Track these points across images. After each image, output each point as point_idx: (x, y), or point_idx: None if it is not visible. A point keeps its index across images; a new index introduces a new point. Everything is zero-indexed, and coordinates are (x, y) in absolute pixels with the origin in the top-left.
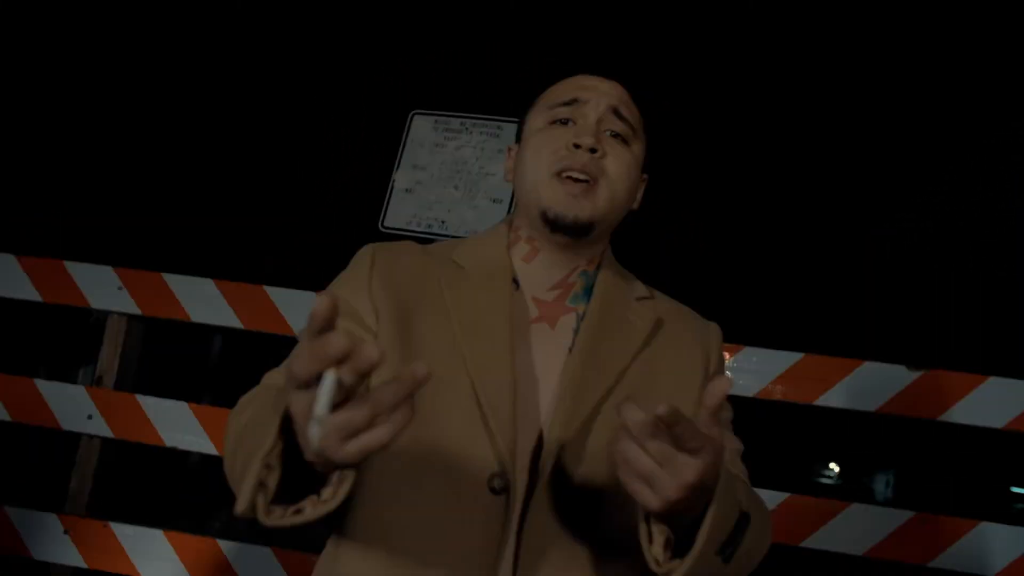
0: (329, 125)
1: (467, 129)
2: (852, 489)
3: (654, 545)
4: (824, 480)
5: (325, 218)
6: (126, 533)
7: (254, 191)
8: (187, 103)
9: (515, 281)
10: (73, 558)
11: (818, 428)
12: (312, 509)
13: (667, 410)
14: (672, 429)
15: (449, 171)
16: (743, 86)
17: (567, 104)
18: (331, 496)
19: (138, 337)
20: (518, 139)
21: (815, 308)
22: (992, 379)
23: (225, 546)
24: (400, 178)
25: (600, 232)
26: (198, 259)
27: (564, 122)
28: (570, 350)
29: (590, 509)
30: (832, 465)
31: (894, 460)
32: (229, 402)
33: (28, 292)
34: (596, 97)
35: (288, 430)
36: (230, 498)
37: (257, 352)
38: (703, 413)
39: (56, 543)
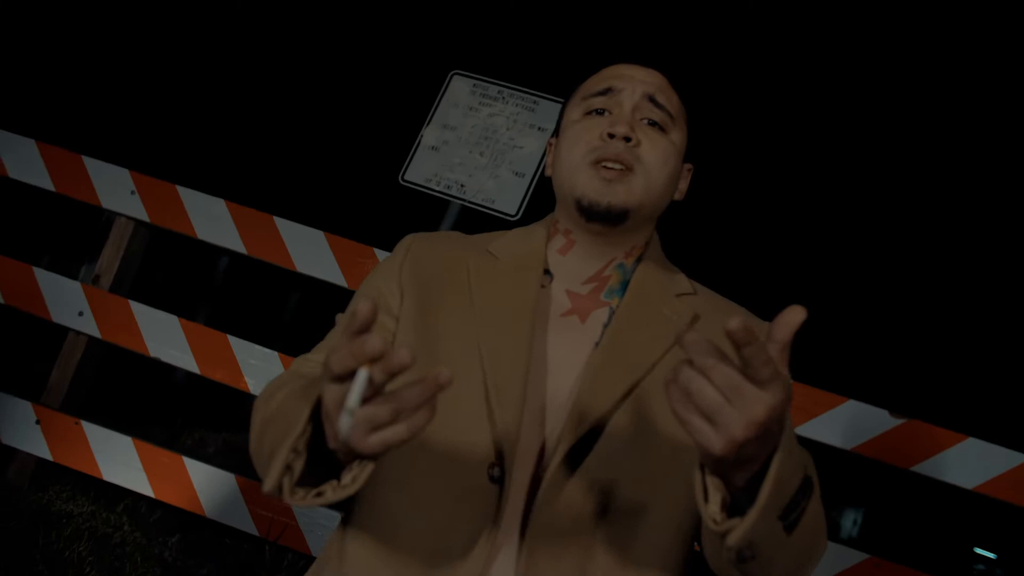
0: (369, 72)
1: (503, 98)
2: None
3: (710, 503)
4: None
5: (348, 162)
6: (96, 434)
7: (285, 123)
8: (232, 24)
9: (549, 273)
10: (40, 449)
11: None
12: (332, 493)
13: (738, 324)
14: (742, 350)
15: (478, 136)
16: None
17: (602, 94)
18: (350, 482)
19: (142, 243)
20: (556, 133)
21: (809, 339)
22: (971, 439)
23: (190, 464)
24: (428, 134)
25: (637, 222)
26: (214, 177)
27: (600, 112)
28: (597, 344)
29: (596, 508)
30: None
31: (863, 500)
32: (222, 325)
33: (43, 180)
34: (631, 85)
35: (316, 418)
36: (204, 418)
37: (256, 280)
38: (772, 346)
39: (26, 431)
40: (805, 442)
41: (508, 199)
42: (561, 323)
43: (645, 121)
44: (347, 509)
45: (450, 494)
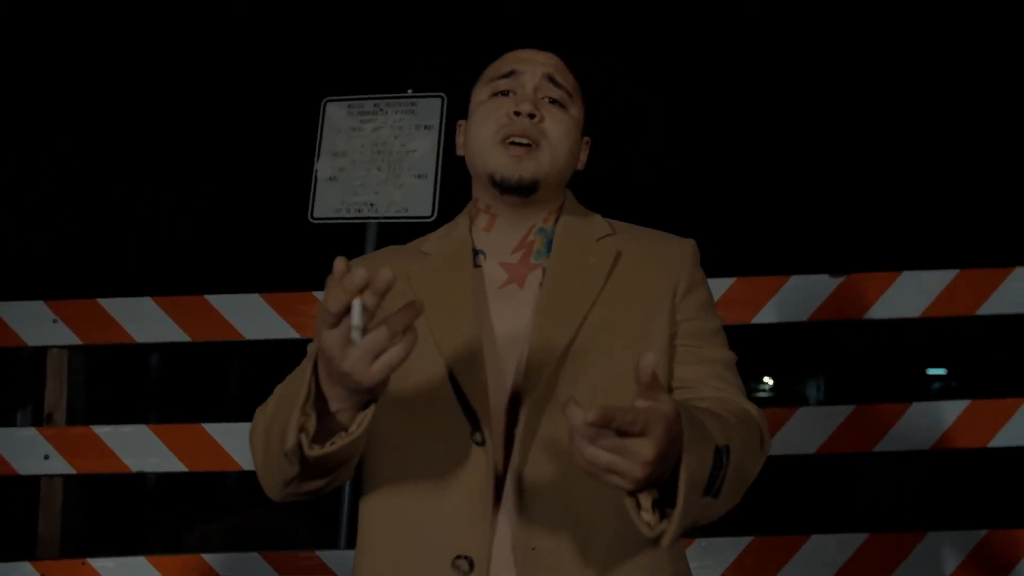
0: (245, 126)
1: (381, 110)
2: (787, 398)
3: (643, 511)
4: (759, 395)
5: (255, 218)
6: (107, 567)
7: (182, 200)
8: (99, 113)
9: (480, 252)
10: None
11: (753, 347)
12: (342, 440)
13: (595, 415)
14: (611, 426)
15: (370, 153)
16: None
17: (505, 76)
18: (356, 427)
19: (82, 366)
20: (465, 111)
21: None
22: (906, 274)
23: (209, 558)
24: (322, 167)
25: (547, 191)
26: (134, 276)
27: (505, 93)
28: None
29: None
30: (766, 379)
31: (825, 364)
32: (188, 417)
33: None
34: (532, 68)
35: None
36: (200, 512)
37: (206, 359)
38: (638, 389)
39: None
40: (765, 326)
41: (419, 203)
42: (502, 294)
43: (546, 99)
44: (363, 497)
45: (446, 466)
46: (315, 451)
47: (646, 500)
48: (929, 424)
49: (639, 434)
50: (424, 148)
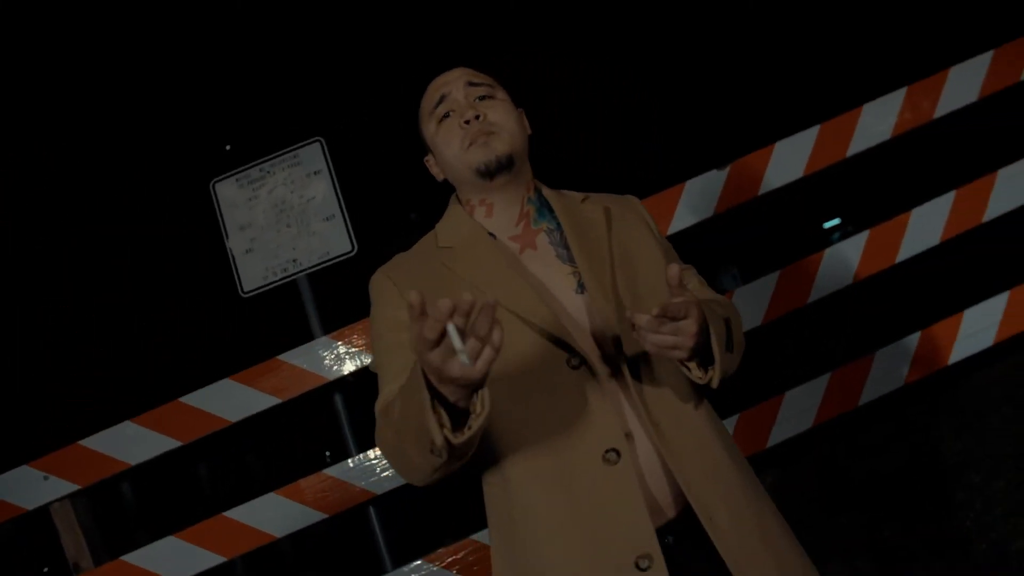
0: (148, 229)
1: (268, 172)
2: (720, 289)
3: (692, 371)
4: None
5: (191, 311)
6: None
7: (117, 316)
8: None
9: (491, 235)
10: None
11: (679, 252)
12: (476, 421)
13: (657, 311)
14: (666, 316)
15: (274, 215)
16: None
17: (440, 103)
18: (481, 408)
19: (88, 509)
20: (427, 149)
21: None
22: (779, 144)
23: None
24: (235, 244)
25: (519, 163)
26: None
27: (447, 115)
28: (558, 258)
29: (634, 345)
30: None
31: (735, 255)
32: (209, 512)
33: None
34: (453, 84)
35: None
36: None
37: (205, 459)
38: (671, 290)
39: None
40: (682, 233)
41: (336, 243)
42: (524, 259)
43: (476, 99)
44: (493, 462)
45: (556, 390)
46: (460, 437)
47: (693, 367)
48: (843, 264)
49: (684, 317)
50: (322, 192)
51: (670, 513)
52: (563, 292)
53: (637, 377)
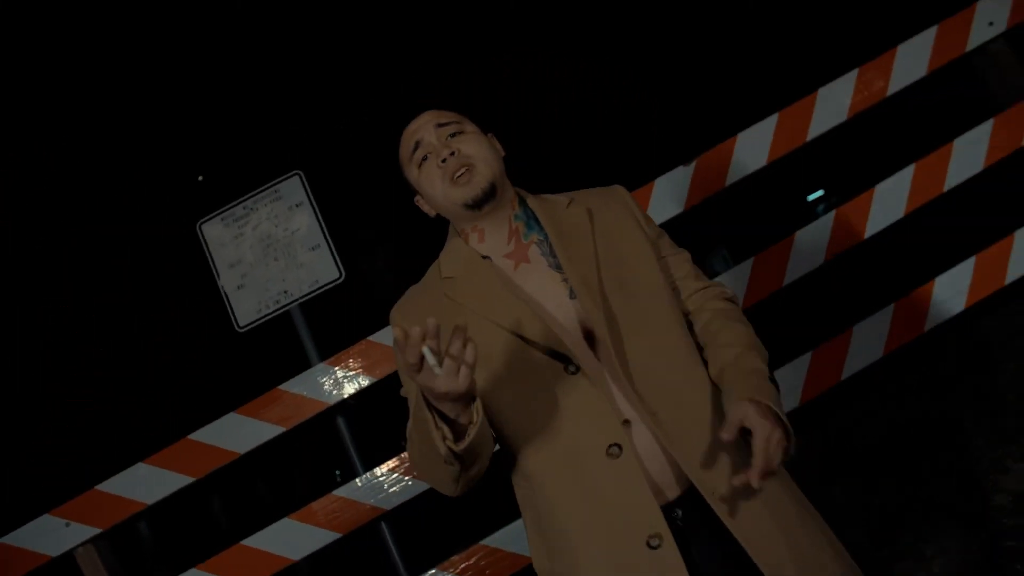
0: (148, 229)
1: (252, 208)
2: (710, 274)
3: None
4: None
5: (190, 350)
6: None
7: (118, 316)
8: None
9: (486, 258)
10: None
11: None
12: (472, 430)
13: (727, 436)
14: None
15: (261, 250)
16: None
17: (416, 148)
18: (477, 419)
19: (111, 550)
20: (414, 191)
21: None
22: (740, 135)
23: None
24: (226, 281)
25: (501, 186)
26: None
27: (424, 158)
28: (550, 267)
29: (654, 344)
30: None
31: (712, 245)
32: (230, 541)
33: None
34: (424, 128)
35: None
36: None
37: (219, 491)
38: (726, 437)
39: None
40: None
41: (324, 271)
42: (519, 274)
43: (448, 136)
44: (512, 466)
45: (557, 396)
46: (460, 445)
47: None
48: (814, 244)
49: (763, 442)
50: (305, 223)
51: (677, 490)
52: (557, 299)
53: (632, 372)
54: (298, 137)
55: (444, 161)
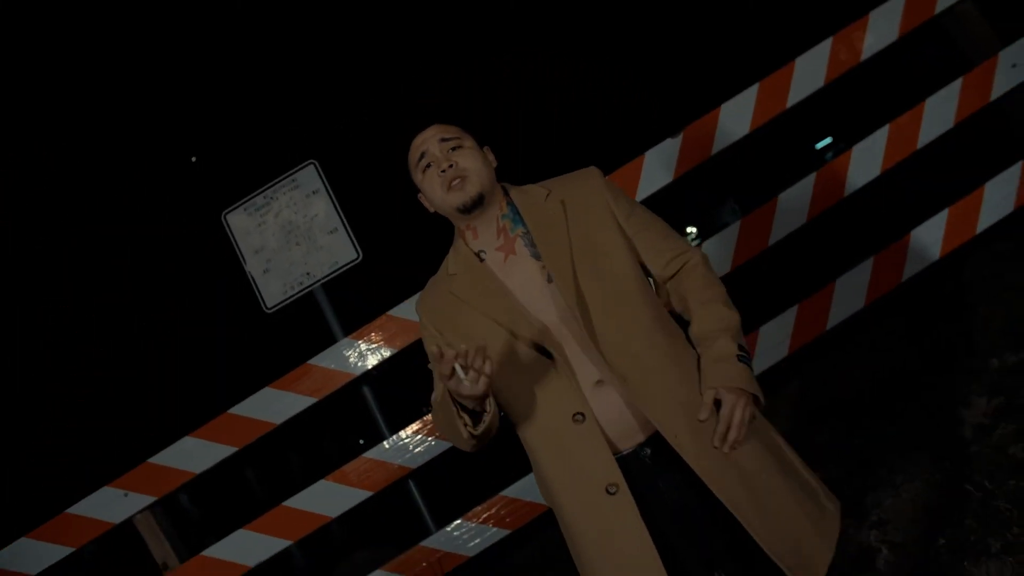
0: (148, 229)
1: (272, 197)
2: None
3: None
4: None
5: (224, 329)
6: None
7: (118, 316)
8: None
9: (480, 253)
10: None
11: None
12: (487, 417)
13: (703, 416)
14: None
15: (283, 236)
16: None
17: (420, 159)
18: (490, 409)
19: (164, 515)
20: (418, 189)
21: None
22: (723, 107)
23: None
24: (252, 267)
25: (489, 193)
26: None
27: (428, 166)
28: (532, 256)
29: (620, 319)
30: (689, 230)
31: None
32: (271, 503)
33: (58, 552)
34: (430, 141)
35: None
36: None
37: (257, 460)
38: (703, 411)
39: None
40: (655, 196)
41: (343, 252)
42: (508, 266)
43: (450, 149)
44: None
45: (535, 379)
46: (478, 429)
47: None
48: (797, 204)
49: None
50: (323, 209)
51: (644, 435)
52: (538, 285)
53: (601, 345)
54: (302, 134)
55: (444, 171)
